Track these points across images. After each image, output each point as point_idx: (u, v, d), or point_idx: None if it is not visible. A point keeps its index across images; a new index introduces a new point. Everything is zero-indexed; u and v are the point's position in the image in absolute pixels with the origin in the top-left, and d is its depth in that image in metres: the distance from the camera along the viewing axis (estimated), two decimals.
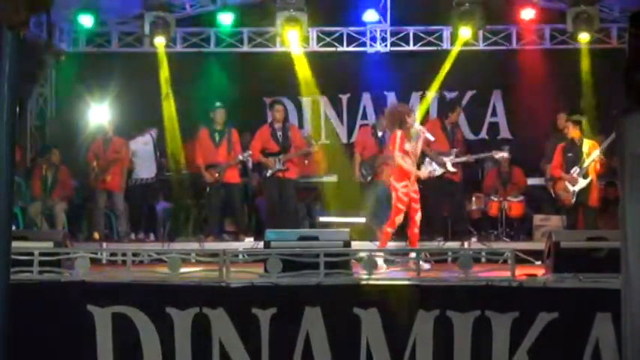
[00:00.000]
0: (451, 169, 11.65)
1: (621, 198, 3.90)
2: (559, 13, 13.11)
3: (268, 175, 11.76)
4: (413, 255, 7.95)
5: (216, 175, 11.85)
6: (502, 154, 12.04)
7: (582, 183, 10.99)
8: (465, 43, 13.39)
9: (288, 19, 12.63)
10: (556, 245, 7.42)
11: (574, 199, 11.02)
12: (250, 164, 12.87)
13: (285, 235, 8.14)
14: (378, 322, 6.75)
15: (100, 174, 12.02)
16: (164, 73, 13.42)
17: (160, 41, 13.06)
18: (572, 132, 11.20)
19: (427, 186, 12.06)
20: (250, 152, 11.90)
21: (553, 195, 11.58)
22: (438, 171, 11.67)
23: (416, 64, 13.93)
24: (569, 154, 11.15)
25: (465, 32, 12.80)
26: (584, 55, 13.09)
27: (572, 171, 11.04)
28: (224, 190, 12.01)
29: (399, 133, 9.45)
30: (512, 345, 6.67)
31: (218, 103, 12.08)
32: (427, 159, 11.82)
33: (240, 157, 11.98)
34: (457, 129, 12.25)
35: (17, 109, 3.79)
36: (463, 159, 11.80)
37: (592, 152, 10.97)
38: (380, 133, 12.33)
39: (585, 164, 10.96)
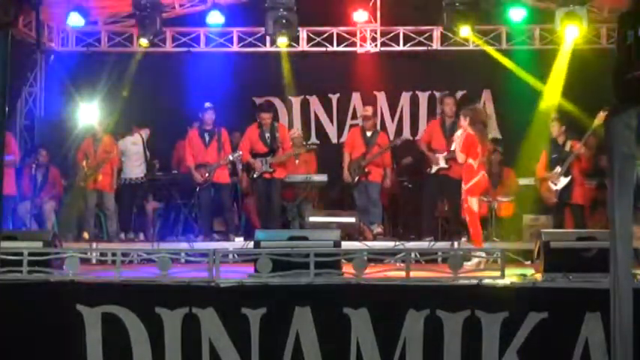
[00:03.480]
0: (443, 165, 11.65)
1: (610, 197, 3.91)
2: (548, 14, 13.12)
3: (255, 176, 11.77)
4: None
5: (206, 175, 11.84)
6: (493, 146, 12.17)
7: (564, 181, 11.07)
8: (455, 43, 13.41)
9: (279, 19, 12.60)
10: (546, 245, 7.43)
11: (556, 198, 11.09)
12: (240, 164, 12.86)
13: (275, 234, 8.14)
14: (368, 322, 6.74)
15: (91, 174, 11.98)
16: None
17: (143, 41, 12.99)
18: (555, 132, 11.27)
19: (422, 185, 12.12)
20: (240, 153, 11.89)
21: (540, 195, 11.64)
22: (434, 169, 11.70)
23: (406, 64, 13.94)
24: (554, 155, 11.22)
25: (465, 31, 12.74)
26: (570, 54, 13.12)
27: (554, 170, 11.10)
28: (213, 190, 12.01)
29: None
30: (502, 344, 6.67)
31: (207, 104, 12.06)
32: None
33: (230, 158, 11.96)
34: (457, 126, 12.10)
35: (6, 108, 3.78)
36: (452, 154, 11.76)
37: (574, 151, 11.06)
38: (369, 134, 12.34)
39: (566, 162, 11.03)
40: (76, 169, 12.38)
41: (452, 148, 10.25)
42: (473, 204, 9.50)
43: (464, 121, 9.57)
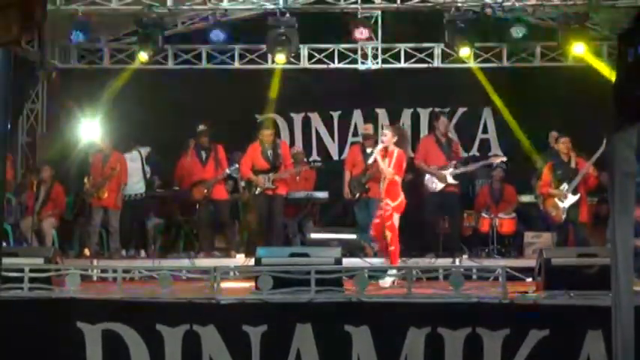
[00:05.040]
0: (452, 181, 11.66)
1: (611, 215, 3.91)
2: (549, 31, 13.15)
3: (257, 192, 11.77)
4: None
5: (205, 191, 11.86)
6: (501, 159, 12.21)
7: (572, 199, 11.02)
8: (456, 61, 13.42)
9: (279, 36, 12.60)
10: (547, 262, 7.44)
11: (564, 215, 11.04)
12: (241, 180, 12.85)
13: (276, 252, 8.14)
14: (369, 340, 6.74)
15: (96, 191, 11.95)
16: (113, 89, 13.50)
17: (143, 56, 12.93)
18: (561, 149, 11.26)
19: (426, 202, 12.11)
20: (237, 166, 11.92)
21: (543, 212, 11.60)
22: (439, 186, 11.70)
23: (407, 81, 13.95)
24: (558, 172, 11.19)
25: (464, 51, 12.70)
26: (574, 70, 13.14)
27: (561, 187, 11.07)
28: (213, 207, 12.02)
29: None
30: None
31: (201, 127, 12.08)
32: (427, 175, 11.83)
33: (228, 171, 11.98)
34: (452, 141, 12.20)
35: (8, 125, 3.79)
36: (463, 169, 11.80)
37: (580, 169, 11.02)
38: (369, 150, 12.36)
39: (574, 181, 10.99)
40: (80, 186, 12.39)
41: (369, 162, 10.23)
42: (397, 221, 9.46)
43: (392, 138, 9.57)
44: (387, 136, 9.57)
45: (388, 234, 9.41)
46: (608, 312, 3.95)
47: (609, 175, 3.98)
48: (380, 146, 9.71)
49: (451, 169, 11.66)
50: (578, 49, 12.36)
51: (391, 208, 9.39)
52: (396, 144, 9.55)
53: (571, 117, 12.69)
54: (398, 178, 9.52)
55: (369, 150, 12.35)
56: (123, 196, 12.26)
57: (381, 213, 9.55)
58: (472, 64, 13.58)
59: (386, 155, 9.54)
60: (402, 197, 9.53)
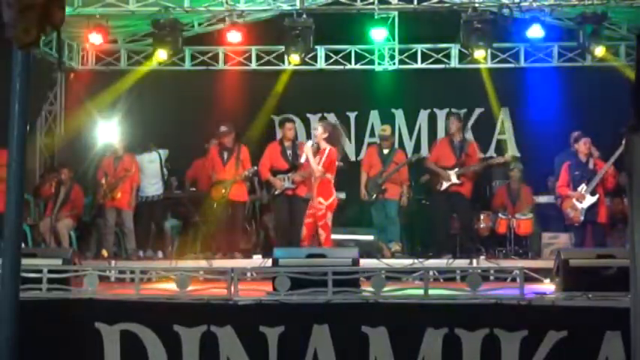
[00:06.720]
0: (455, 181, 11.67)
1: (630, 215, 3.89)
2: (567, 31, 13.10)
3: (277, 192, 11.74)
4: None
5: (223, 191, 11.86)
6: (504, 159, 12.24)
7: (590, 200, 10.97)
8: (473, 61, 13.38)
9: (296, 37, 12.58)
10: (565, 263, 7.40)
11: (582, 216, 10.99)
12: (257, 181, 12.85)
13: (293, 252, 8.14)
14: (387, 341, 6.73)
15: (109, 192, 12.01)
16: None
17: (162, 56, 12.91)
18: (581, 149, 11.21)
19: (436, 201, 12.11)
20: (255, 168, 11.89)
21: (561, 213, 11.56)
22: (444, 185, 11.73)
23: (424, 81, 13.94)
24: (576, 172, 11.14)
25: (481, 52, 12.64)
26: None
27: (579, 188, 11.01)
28: (230, 207, 12.01)
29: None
30: None
31: (223, 128, 12.02)
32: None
33: (246, 173, 11.94)
34: (467, 143, 12.13)
35: (27, 127, 3.81)
36: (465, 169, 11.77)
37: (598, 169, 10.96)
38: (386, 151, 12.35)
39: (593, 181, 10.94)
40: (96, 187, 12.44)
41: (302, 160, 10.18)
42: (330, 220, 9.39)
43: (322, 134, 9.50)
44: (318, 131, 9.53)
45: (322, 233, 9.34)
46: (627, 313, 3.93)
47: (627, 176, 3.96)
48: (309, 143, 9.67)
49: (456, 169, 11.68)
50: (598, 50, 12.31)
51: (325, 207, 9.33)
52: (327, 140, 9.49)
53: (589, 117, 12.65)
54: (330, 176, 9.46)
55: (385, 151, 12.36)
56: (138, 197, 12.30)
57: (314, 212, 9.50)
58: (489, 64, 13.56)
59: (317, 153, 9.48)
60: (334, 196, 9.49)
